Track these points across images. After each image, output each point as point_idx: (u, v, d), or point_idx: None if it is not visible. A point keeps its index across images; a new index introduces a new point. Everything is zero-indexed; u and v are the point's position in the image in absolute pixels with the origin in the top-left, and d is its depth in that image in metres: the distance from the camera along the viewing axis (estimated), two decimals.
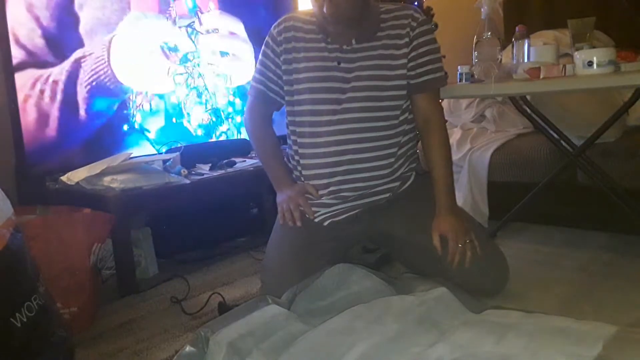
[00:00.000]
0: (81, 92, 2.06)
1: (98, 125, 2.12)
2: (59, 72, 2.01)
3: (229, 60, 2.52)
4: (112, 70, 2.12)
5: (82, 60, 2.06)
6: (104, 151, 2.10)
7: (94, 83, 2.08)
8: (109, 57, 2.12)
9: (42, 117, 1.98)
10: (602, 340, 1.06)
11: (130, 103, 2.21)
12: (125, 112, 2.20)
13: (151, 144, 2.28)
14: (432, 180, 1.51)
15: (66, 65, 2.02)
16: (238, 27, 2.56)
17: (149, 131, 2.27)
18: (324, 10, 1.38)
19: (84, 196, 1.81)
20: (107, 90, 2.12)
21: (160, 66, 2.28)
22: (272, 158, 1.62)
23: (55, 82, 2.00)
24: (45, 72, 1.98)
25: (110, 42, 2.12)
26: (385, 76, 1.47)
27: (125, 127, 2.21)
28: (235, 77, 2.54)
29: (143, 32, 2.22)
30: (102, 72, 2.10)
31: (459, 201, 1.94)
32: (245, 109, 1.66)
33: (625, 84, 1.65)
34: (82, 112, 2.07)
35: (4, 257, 1.14)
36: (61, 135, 2.03)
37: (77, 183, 1.83)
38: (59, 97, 2.01)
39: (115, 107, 2.16)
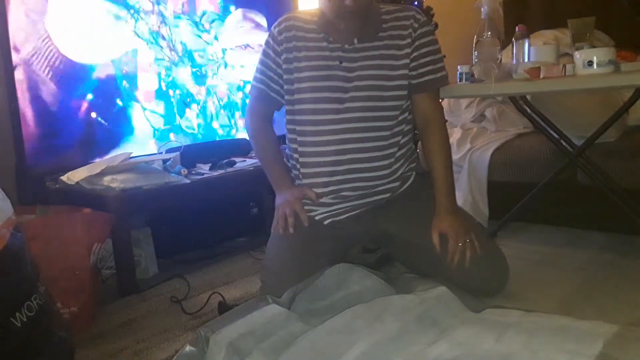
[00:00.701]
0: (48, 84, 2.00)
1: (90, 119, 2.11)
2: (30, 67, 1.95)
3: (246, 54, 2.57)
4: (60, 53, 2.01)
5: (36, 51, 1.96)
6: (102, 148, 2.12)
7: (51, 69, 2.00)
8: (52, 41, 1.99)
9: (42, 117, 1.98)
10: (602, 338, 1.06)
11: (120, 91, 2.19)
12: (117, 100, 2.18)
13: (153, 127, 2.28)
14: (432, 180, 1.51)
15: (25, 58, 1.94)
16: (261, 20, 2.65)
17: (150, 120, 2.28)
18: (346, 2, 1.38)
19: (84, 196, 1.81)
20: (67, 73, 2.04)
21: (114, 31, 2.16)
22: (272, 159, 1.62)
23: (36, 80, 1.97)
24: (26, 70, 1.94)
25: (44, 25, 1.98)
26: (387, 76, 1.47)
27: (120, 108, 2.19)
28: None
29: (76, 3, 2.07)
30: (53, 57, 2.00)
31: (459, 201, 1.93)
32: (246, 109, 1.66)
33: (625, 84, 1.65)
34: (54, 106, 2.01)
35: (4, 257, 1.14)
36: (61, 135, 2.03)
37: (77, 183, 1.83)
38: (41, 94, 1.98)
39: (97, 94, 2.11)
